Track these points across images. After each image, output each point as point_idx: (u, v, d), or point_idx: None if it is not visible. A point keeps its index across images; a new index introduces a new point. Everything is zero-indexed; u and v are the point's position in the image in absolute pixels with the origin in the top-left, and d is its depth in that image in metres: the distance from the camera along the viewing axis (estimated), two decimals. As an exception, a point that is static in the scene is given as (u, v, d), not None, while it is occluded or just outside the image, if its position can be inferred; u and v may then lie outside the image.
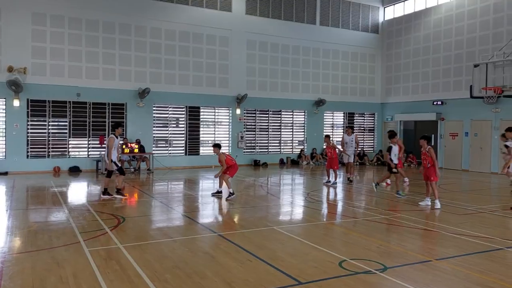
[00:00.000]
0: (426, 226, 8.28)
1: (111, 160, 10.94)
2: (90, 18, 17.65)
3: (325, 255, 6.34)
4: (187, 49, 19.54)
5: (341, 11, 23.40)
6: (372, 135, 24.99)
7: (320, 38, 22.72)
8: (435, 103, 21.24)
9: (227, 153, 12.09)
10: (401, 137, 23.90)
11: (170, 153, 19.58)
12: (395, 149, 12.49)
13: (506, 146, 11.34)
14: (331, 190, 13.55)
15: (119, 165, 11.24)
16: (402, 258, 6.26)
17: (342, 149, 14.81)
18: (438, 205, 10.21)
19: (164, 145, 19.55)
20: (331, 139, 14.61)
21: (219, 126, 20.76)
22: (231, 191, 11.16)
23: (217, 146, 11.56)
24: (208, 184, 14.93)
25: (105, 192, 11.07)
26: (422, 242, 7.21)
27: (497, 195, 12.35)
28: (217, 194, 11.62)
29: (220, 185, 11.63)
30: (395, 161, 12.26)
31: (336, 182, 14.24)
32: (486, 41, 18.95)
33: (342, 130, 24.18)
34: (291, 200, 11.90)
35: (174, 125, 19.87)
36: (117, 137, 11.06)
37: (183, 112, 19.88)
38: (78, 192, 13.39)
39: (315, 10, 22.70)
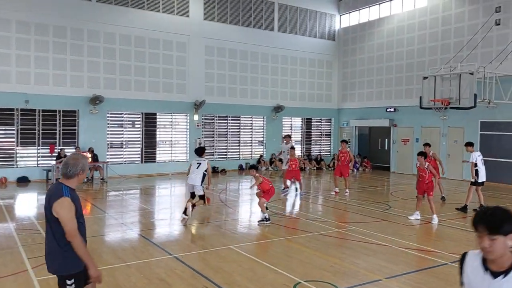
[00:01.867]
0: (378, 240, 8.56)
1: None
2: (40, 22, 16.88)
3: (281, 277, 6.42)
4: (143, 54, 19.13)
5: (299, 18, 23.72)
6: (329, 140, 25.53)
7: (278, 45, 22.93)
8: (388, 110, 22.00)
9: (265, 177, 10.54)
10: (356, 142, 24.66)
11: (125, 161, 19.11)
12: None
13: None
14: (288, 200, 13.72)
15: None
16: (354, 278, 6.45)
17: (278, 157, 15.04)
18: (435, 220, 10.16)
19: (118, 153, 19.06)
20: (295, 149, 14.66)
21: (176, 133, 20.50)
22: (267, 217, 9.99)
23: (253, 167, 10.37)
24: (164, 197, 14.73)
25: None
26: (374, 258, 7.44)
27: (445, 203, 12.95)
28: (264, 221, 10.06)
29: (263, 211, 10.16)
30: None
31: (302, 194, 14.19)
32: (435, 51, 19.84)
33: (300, 136, 24.56)
34: (249, 213, 11.94)
35: (129, 132, 19.40)
36: None
37: (139, 119, 19.46)
38: (27, 206, 12.80)
39: (273, 17, 22.88)
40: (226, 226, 10.00)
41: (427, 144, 12.99)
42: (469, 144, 12.04)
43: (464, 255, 2.66)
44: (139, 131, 19.48)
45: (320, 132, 25.46)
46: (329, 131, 25.56)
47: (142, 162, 19.44)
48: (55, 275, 3.85)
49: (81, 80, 17.81)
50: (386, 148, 22.99)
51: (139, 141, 19.48)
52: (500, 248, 2.32)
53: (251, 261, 7.25)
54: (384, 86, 22.51)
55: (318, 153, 24.55)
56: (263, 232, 9.52)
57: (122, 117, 19.11)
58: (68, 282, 3.70)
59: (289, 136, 16.50)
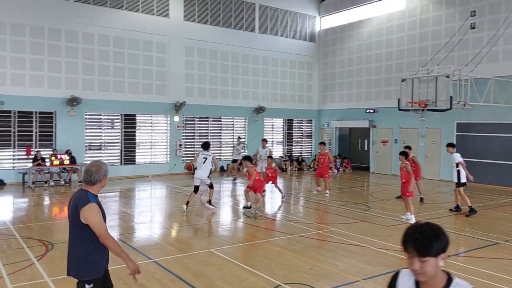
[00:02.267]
0: (357, 241, 8.67)
1: None
2: (16, 21, 16.51)
3: (261, 280, 6.44)
4: (122, 55, 18.90)
5: (279, 20, 23.81)
6: (310, 140, 25.70)
7: (259, 46, 22.97)
8: (367, 111, 22.29)
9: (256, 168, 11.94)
10: (336, 143, 24.92)
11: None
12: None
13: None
14: (270, 202, 13.76)
15: None
16: (333, 280, 6.52)
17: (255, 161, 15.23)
18: (412, 220, 10.32)
19: (97, 154, 18.78)
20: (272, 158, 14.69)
21: (156, 134, 20.31)
22: (248, 205, 11.33)
23: (247, 159, 11.63)
24: (144, 200, 14.60)
25: None
26: (353, 260, 7.53)
27: (423, 203, 13.19)
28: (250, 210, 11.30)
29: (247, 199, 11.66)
30: None
31: (284, 196, 13.79)
32: (413, 54, 20.19)
33: (281, 136, 24.67)
34: (230, 215, 11.92)
35: (108, 134, 19.14)
36: None
37: (118, 120, 19.22)
38: (2, 210, 12.49)
39: (254, 18, 22.91)
40: (207, 229, 9.97)
41: (408, 147, 13.20)
42: (450, 145, 12.14)
43: (396, 275, 2.50)
44: (118, 132, 19.23)
45: (301, 133, 25.62)
46: (310, 132, 25.73)
47: (121, 164, 19.19)
48: (74, 278, 3.97)
49: (59, 81, 17.48)
50: (366, 149, 23.28)
51: (118, 142, 19.23)
52: (431, 270, 2.21)
53: (231, 264, 7.25)
54: (363, 87, 22.79)
55: (299, 154, 24.69)
56: (244, 235, 9.53)
57: (101, 118, 18.84)
58: (87, 286, 3.89)
59: (265, 141, 16.73)
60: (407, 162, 10.82)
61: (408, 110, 15.74)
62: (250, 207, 11.36)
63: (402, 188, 10.81)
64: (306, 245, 8.50)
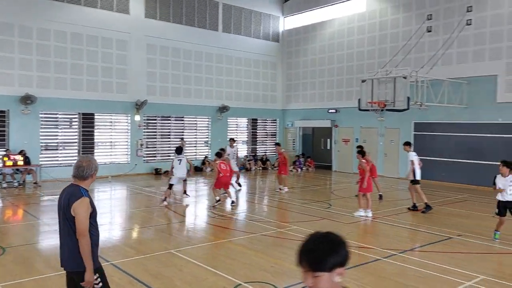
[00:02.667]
0: (318, 239, 8.76)
1: None
2: (-36, 13, 15.65)
3: (222, 280, 6.40)
4: (80, 52, 18.30)
5: (243, 19, 23.80)
6: (274, 140, 25.82)
7: (222, 45, 22.87)
8: (330, 111, 22.67)
9: (223, 162, 12.60)
10: (300, 142, 25.24)
11: (61, 164, 18.16)
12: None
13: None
14: (233, 201, 13.71)
15: None
16: (293, 278, 6.55)
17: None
18: (359, 213, 10.96)
19: (53, 155, 18.10)
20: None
21: (116, 134, 19.81)
22: (217, 199, 12.12)
23: (217, 155, 12.73)
24: (103, 201, 14.20)
25: None
26: (314, 257, 7.59)
27: (382, 200, 13.53)
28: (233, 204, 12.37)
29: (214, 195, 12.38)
30: None
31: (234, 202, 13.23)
32: (372, 55, 20.71)
33: (246, 136, 24.67)
34: (192, 216, 11.81)
35: (65, 133, 18.49)
36: None
37: (76, 119, 18.60)
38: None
39: (217, 17, 22.79)
40: (168, 230, 9.81)
41: (360, 147, 13.66)
42: (407, 144, 12.63)
43: None
44: (76, 132, 18.61)
45: (266, 132, 25.72)
46: (275, 131, 25.88)
47: (80, 164, 18.56)
48: (72, 271, 4.00)
49: (12, 78, 16.71)
50: (328, 148, 23.70)
51: (76, 142, 18.61)
52: (325, 286, 2.02)
53: (191, 264, 7.16)
54: (326, 88, 23.16)
55: (263, 153, 24.79)
56: (206, 235, 9.45)
57: (57, 117, 18.17)
58: (93, 276, 3.93)
59: (233, 140, 16.82)
60: (362, 160, 11.21)
61: (368, 110, 16.14)
62: (218, 200, 12.18)
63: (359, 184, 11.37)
64: (268, 243, 8.52)
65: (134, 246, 8.41)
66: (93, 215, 3.99)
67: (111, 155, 19.65)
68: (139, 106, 19.66)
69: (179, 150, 13.37)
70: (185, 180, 13.62)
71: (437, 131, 18.14)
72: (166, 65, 20.94)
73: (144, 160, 20.34)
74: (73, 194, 3.91)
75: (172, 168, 12.93)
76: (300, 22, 24.66)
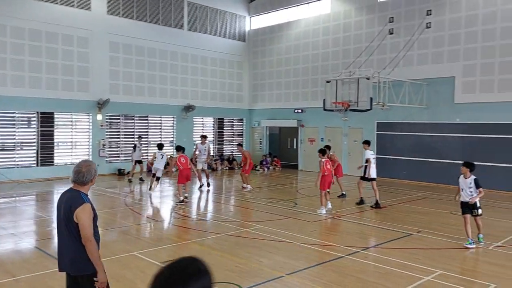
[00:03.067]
0: (283, 238, 8.83)
1: None
2: None
3: None
4: (39, 49, 17.62)
5: (209, 18, 23.64)
6: (241, 139, 25.81)
7: (188, 44, 22.62)
8: (295, 111, 22.88)
9: (183, 156, 13.09)
10: (267, 141, 25.33)
11: (18, 165, 17.42)
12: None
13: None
14: (199, 201, 13.59)
15: None
16: (258, 277, 6.57)
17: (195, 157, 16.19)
18: (321, 211, 11.29)
19: (10, 155, 17.34)
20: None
21: (77, 133, 19.20)
22: (181, 199, 12.50)
23: (178, 149, 13.31)
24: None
25: None
26: (278, 256, 7.65)
27: (345, 199, 13.77)
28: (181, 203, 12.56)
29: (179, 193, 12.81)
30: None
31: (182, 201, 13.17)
32: (337, 56, 21.06)
33: (212, 135, 24.50)
34: (156, 217, 11.61)
35: (23, 133, 17.75)
36: None
37: (34, 119, 17.89)
38: None
39: (183, 15, 22.52)
40: (131, 231, 9.59)
41: (327, 146, 13.87)
42: (366, 143, 13.03)
43: None
44: (35, 131, 17.90)
45: (232, 132, 25.65)
46: (241, 131, 25.86)
47: (38, 165, 17.88)
48: (77, 275, 4.02)
49: (-36, 74, 15.90)
50: (294, 147, 23.92)
51: (34, 142, 17.90)
52: None
53: (155, 266, 7.02)
54: (292, 88, 23.36)
55: (230, 153, 24.71)
56: (170, 236, 9.31)
57: (14, 116, 17.42)
58: (95, 279, 3.95)
59: (204, 137, 16.67)
60: (321, 159, 11.62)
61: (333, 110, 16.39)
62: (182, 201, 12.49)
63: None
64: (233, 243, 8.49)
65: (95, 249, 8.16)
66: (94, 220, 4.01)
67: (71, 155, 19.02)
68: (101, 105, 19.14)
69: (160, 146, 15.41)
70: (158, 179, 15.03)
71: (398, 130, 18.66)
72: (130, 64, 20.49)
73: (106, 160, 19.82)
74: (74, 200, 3.94)
75: (154, 158, 14.91)
76: (266, 22, 24.75)
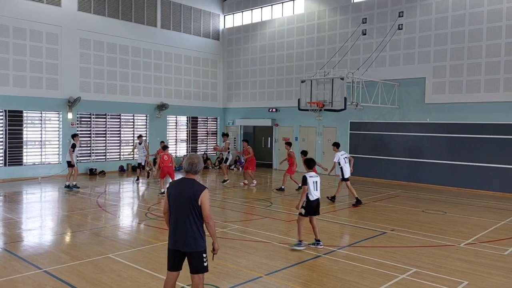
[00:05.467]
0: (260, 238, 8.84)
1: None
2: None
3: (163, 284, 6.21)
4: (6, 45, 16.97)
5: (183, 16, 23.38)
6: (215, 138, 25.69)
7: (161, 41, 22.31)
8: (270, 110, 22.95)
9: (167, 154, 14.17)
10: (241, 140, 25.27)
11: (-16, 165, 16.77)
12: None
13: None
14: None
15: None
16: (236, 278, 6.54)
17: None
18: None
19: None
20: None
21: (47, 132, 18.61)
22: (162, 190, 13.92)
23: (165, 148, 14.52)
24: (32, 204, 13.32)
25: None
26: (256, 256, 7.65)
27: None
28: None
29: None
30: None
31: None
32: (311, 56, 21.25)
33: (186, 134, 24.27)
34: (130, 218, 11.40)
35: (-10, 132, 17.10)
36: None
37: (2, 117, 17.23)
38: None
39: (156, 13, 22.19)
40: (105, 233, 9.37)
41: (288, 144, 15.38)
42: (335, 145, 13.45)
43: None
44: (2, 130, 17.24)
45: (206, 130, 25.49)
46: (215, 129, 25.72)
47: (5, 165, 17.24)
48: (186, 252, 4.79)
49: None
50: (269, 147, 23.98)
51: (1, 141, 17.24)
52: None
53: (131, 269, 6.90)
54: (266, 87, 23.41)
55: (204, 152, 24.55)
56: (145, 237, 9.15)
57: (-20, 114, 16.75)
58: (204, 255, 4.82)
59: (141, 136, 18.08)
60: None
61: (307, 110, 16.53)
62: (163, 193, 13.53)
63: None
64: (210, 244, 8.38)
65: (68, 252, 7.94)
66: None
67: (41, 155, 18.45)
68: (71, 103, 18.64)
69: (139, 137, 17.69)
70: (142, 168, 17.60)
71: (371, 130, 19.01)
72: (101, 61, 20.04)
73: (77, 160, 19.27)
74: (197, 186, 4.69)
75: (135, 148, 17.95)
76: (240, 21, 24.70)
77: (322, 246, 8.12)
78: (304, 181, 8.00)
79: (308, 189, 7.99)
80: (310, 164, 8.30)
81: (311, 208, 8.13)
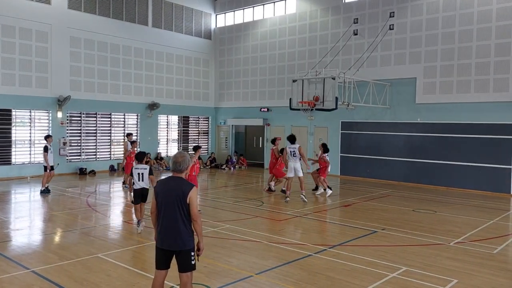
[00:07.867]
0: (251, 237, 8.81)
1: None
2: None
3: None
4: (-6, 42, 16.78)
5: (174, 15, 23.27)
6: (206, 138, 25.61)
7: (153, 40, 22.18)
8: (262, 109, 22.93)
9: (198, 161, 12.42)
10: (233, 140, 25.25)
11: (-28, 164, 16.54)
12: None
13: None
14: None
15: None
16: (227, 277, 6.51)
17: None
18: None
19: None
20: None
21: (36, 131, 18.40)
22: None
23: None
24: (21, 204, 13.17)
25: None
26: (247, 255, 7.63)
27: (309, 196, 13.93)
28: None
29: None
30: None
31: None
32: (303, 56, 21.26)
33: (177, 134, 24.16)
34: (120, 217, 11.32)
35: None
36: None
37: (-10, 115, 17.03)
38: None
39: (147, 11, 22.06)
40: (94, 233, 9.28)
41: (274, 141, 15.56)
42: (323, 146, 14.37)
43: None
44: (-10, 129, 17.04)
45: (198, 130, 25.40)
46: (207, 129, 25.64)
47: (-6, 164, 17.05)
48: (176, 250, 4.72)
49: None
50: (260, 146, 23.96)
51: (-11, 141, 17.04)
52: None
53: (120, 268, 6.84)
54: (258, 86, 23.39)
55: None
56: (134, 237, 9.08)
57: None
58: (192, 253, 4.74)
59: (130, 135, 16.56)
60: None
61: (299, 110, 16.53)
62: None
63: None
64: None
65: (57, 252, 7.84)
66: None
67: (30, 154, 18.24)
68: (61, 102, 18.46)
69: (129, 135, 16.25)
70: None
71: (362, 130, 19.07)
72: (92, 60, 19.86)
73: (67, 159, 19.14)
74: (184, 185, 4.66)
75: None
76: (232, 20, 24.64)
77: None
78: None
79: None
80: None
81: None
